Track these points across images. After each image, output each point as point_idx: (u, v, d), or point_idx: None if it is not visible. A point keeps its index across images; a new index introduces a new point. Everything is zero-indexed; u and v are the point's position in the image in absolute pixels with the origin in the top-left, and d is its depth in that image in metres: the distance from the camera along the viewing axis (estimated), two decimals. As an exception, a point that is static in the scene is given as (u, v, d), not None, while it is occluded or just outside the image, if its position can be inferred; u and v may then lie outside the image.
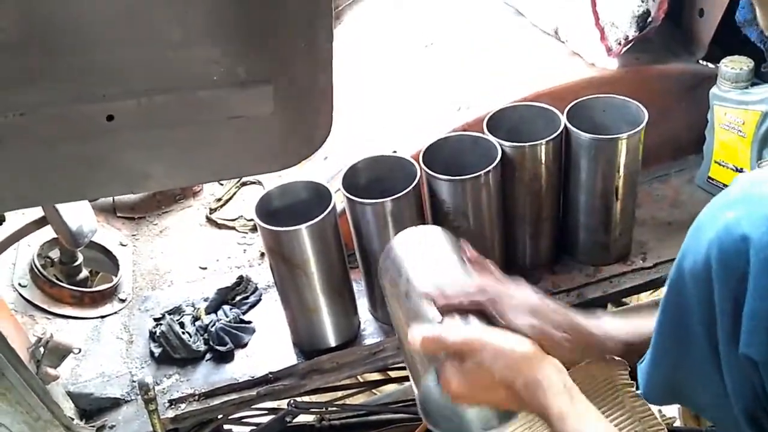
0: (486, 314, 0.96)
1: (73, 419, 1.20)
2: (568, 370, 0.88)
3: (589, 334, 0.97)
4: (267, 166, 0.92)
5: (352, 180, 1.24)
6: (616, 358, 1.01)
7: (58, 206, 1.22)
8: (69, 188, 0.84)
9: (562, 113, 1.25)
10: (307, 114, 0.88)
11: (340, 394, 1.58)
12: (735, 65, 1.31)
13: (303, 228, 1.15)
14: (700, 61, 1.44)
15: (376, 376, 1.69)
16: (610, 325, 0.99)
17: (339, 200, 1.23)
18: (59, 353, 1.14)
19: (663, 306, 0.76)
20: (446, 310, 0.95)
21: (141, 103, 0.78)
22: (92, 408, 1.27)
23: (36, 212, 1.28)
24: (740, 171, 1.37)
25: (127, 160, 0.83)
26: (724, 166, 1.39)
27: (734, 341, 0.68)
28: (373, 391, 1.71)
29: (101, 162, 0.82)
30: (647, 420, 1.05)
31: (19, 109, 0.72)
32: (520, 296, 0.98)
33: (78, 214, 1.26)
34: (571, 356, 0.95)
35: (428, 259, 1.04)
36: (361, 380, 1.67)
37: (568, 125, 1.24)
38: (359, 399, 1.71)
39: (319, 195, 1.22)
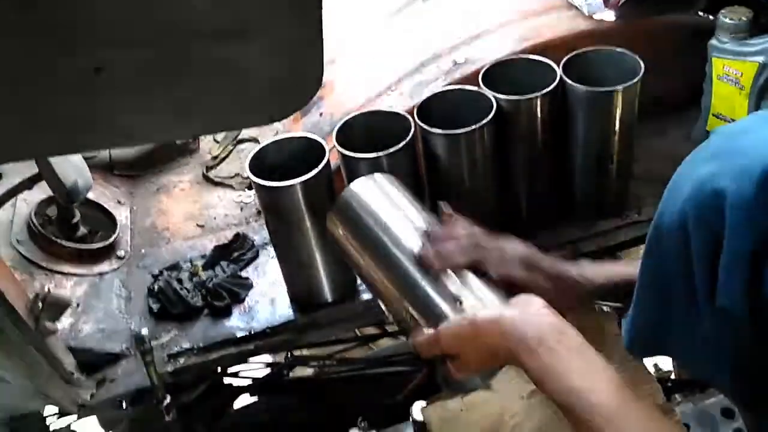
0: (480, 270, 0.97)
1: (73, 373, 1.22)
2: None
3: (572, 280, 0.99)
4: (257, 118, 0.91)
5: (347, 135, 1.23)
6: (604, 307, 1.02)
7: (53, 162, 1.21)
8: (58, 141, 0.83)
9: (559, 66, 1.24)
10: (296, 65, 0.86)
11: (337, 348, 1.60)
12: (734, 15, 1.29)
13: (297, 183, 1.15)
14: (699, 13, 1.42)
15: (373, 331, 1.71)
16: (588, 269, 1.01)
17: (335, 156, 1.23)
18: (57, 308, 1.15)
19: (643, 260, 0.77)
20: (440, 268, 0.95)
21: (128, 55, 0.78)
22: (92, 362, 1.28)
23: (31, 169, 1.28)
24: (738, 124, 1.35)
25: (115, 113, 0.83)
26: (721, 119, 1.38)
27: (711, 293, 0.68)
28: (371, 345, 1.73)
29: (89, 115, 0.82)
30: (637, 370, 1.07)
31: (4, 60, 0.71)
32: (510, 248, 0.99)
33: (73, 171, 1.25)
34: (561, 304, 0.95)
35: (398, 208, 1.02)
36: (359, 334, 1.68)
37: (564, 78, 1.22)
38: (357, 353, 1.73)
39: (313, 150, 1.22)
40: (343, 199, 1.04)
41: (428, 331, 0.91)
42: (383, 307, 1.02)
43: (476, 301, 0.93)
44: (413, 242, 0.98)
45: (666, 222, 0.71)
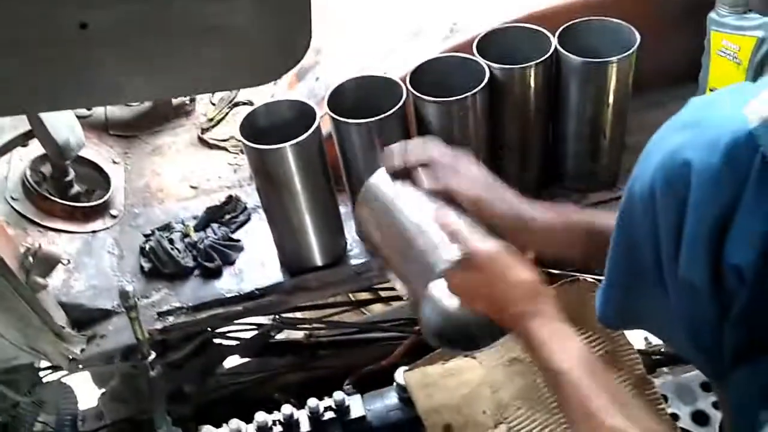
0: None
1: (64, 328, 1.24)
2: None
3: (524, 220, 1.00)
4: (246, 79, 0.91)
5: (340, 100, 1.23)
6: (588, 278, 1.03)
7: (45, 120, 1.22)
8: (45, 97, 0.84)
9: (555, 36, 1.23)
10: (285, 26, 0.86)
11: (329, 312, 1.62)
12: (734, -11, 1.28)
13: (287, 146, 1.15)
14: (701, -14, 1.40)
15: (365, 296, 1.72)
16: (540, 211, 1.01)
17: (327, 122, 1.23)
18: (48, 263, 1.16)
19: (616, 230, 0.77)
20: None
21: (114, 11, 0.78)
22: (83, 318, 1.30)
23: (22, 126, 1.28)
24: (734, 100, 1.35)
25: (102, 69, 0.83)
26: (718, 94, 1.38)
27: (676, 264, 0.69)
28: (362, 310, 1.75)
29: (76, 71, 0.82)
30: (618, 342, 1.08)
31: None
32: (474, 171, 1.02)
33: (65, 129, 1.26)
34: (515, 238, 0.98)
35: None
36: (353, 299, 1.70)
37: (559, 48, 1.22)
38: (351, 318, 1.75)
39: (305, 114, 1.22)
40: (368, 183, 1.08)
41: (471, 235, 0.91)
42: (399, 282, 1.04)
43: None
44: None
45: (637, 191, 0.71)
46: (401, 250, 1.00)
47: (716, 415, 1.23)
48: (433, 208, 0.98)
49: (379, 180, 1.07)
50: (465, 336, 1.00)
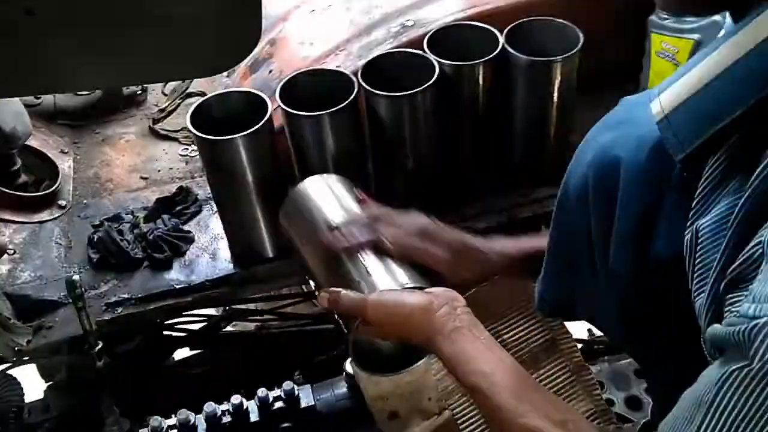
0: (380, 247, 0.99)
1: (9, 319, 1.22)
2: (466, 291, 0.92)
3: (476, 251, 1.00)
4: (195, 70, 0.93)
5: (292, 93, 1.24)
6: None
7: (-10, 107, 1.20)
8: (-10, 84, 0.83)
9: (502, 34, 1.26)
10: (234, 19, 0.87)
11: (280, 303, 1.62)
12: (674, -7, 1.33)
13: (238, 138, 1.16)
14: (643, -12, 1.45)
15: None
16: (499, 243, 1.02)
17: (280, 114, 1.23)
18: (-8, 253, 1.15)
19: (552, 224, 0.80)
20: (347, 252, 0.97)
21: (61, -2, 0.78)
22: (30, 310, 1.29)
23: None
24: (673, 100, 1.40)
25: (50, 57, 0.83)
26: (658, 94, 1.43)
27: (606, 258, 0.72)
28: (313, 301, 1.76)
29: (23, 58, 0.82)
30: (558, 330, 1.12)
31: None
32: (408, 221, 1.02)
33: (11, 117, 1.24)
34: (459, 271, 0.99)
35: (326, 202, 1.06)
36: (305, 290, 1.71)
37: (506, 46, 1.25)
38: (303, 309, 1.76)
39: (257, 106, 1.22)
40: (291, 194, 1.09)
41: (356, 295, 0.91)
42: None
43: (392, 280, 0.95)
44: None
45: (571, 186, 0.75)
46: (316, 263, 1.02)
47: (649, 401, 1.28)
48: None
49: (308, 184, 1.09)
50: (388, 361, 1.01)
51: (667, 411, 0.61)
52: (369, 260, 0.97)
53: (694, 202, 0.64)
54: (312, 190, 1.08)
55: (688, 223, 0.64)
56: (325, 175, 1.13)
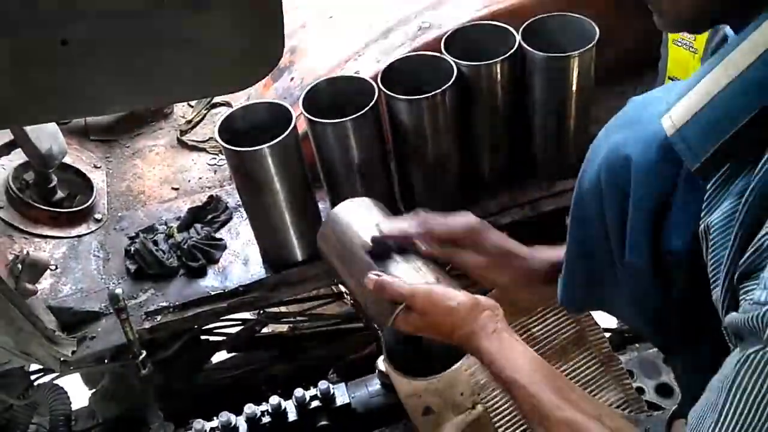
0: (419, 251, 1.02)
1: (54, 331, 1.27)
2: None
3: (518, 258, 1.03)
4: (222, 87, 0.96)
5: (314, 101, 1.27)
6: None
7: (27, 130, 1.25)
8: (30, 111, 0.88)
9: (519, 32, 1.28)
10: (258, 36, 0.90)
11: (311, 305, 1.66)
12: (689, -19, 1.33)
13: (265, 148, 1.19)
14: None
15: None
16: (541, 251, 1.05)
17: (303, 121, 1.27)
18: (36, 269, 1.20)
19: (570, 220, 0.83)
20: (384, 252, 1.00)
21: (93, 27, 0.81)
22: (73, 321, 1.34)
23: (5, 136, 1.31)
24: (692, 87, 1.41)
25: (83, 83, 0.87)
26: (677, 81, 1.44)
27: (622, 250, 0.75)
28: (345, 301, 1.79)
29: (59, 85, 0.86)
30: (586, 322, 1.14)
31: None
32: (456, 221, 1.04)
33: (47, 137, 1.29)
34: (497, 277, 1.03)
35: (365, 221, 1.08)
36: (334, 291, 1.74)
37: (523, 44, 1.27)
38: (332, 310, 1.80)
39: (281, 115, 1.26)
40: (327, 218, 1.11)
41: (404, 282, 0.95)
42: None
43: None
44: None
45: (585, 184, 0.77)
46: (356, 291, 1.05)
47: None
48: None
49: (336, 216, 1.10)
50: (427, 360, 1.04)
51: (686, 403, 0.64)
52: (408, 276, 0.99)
53: (704, 201, 0.67)
54: (347, 213, 1.10)
55: (700, 222, 0.66)
56: (357, 199, 1.15)
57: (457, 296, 0.93)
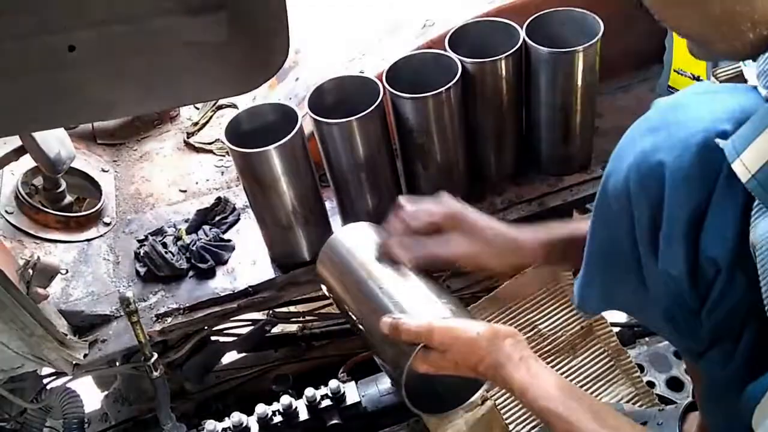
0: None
1: (66, 335, 1.28)
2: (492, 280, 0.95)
3: (508, 239, 1.03)
4: (226, 90, 0.96)
5: (319, 100, 1.28)
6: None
7: (35, 135, 1.26)
8: (38, 117, 0.88)
9: (523, 28, 1.28)
10: (262, 38, 0.91)
11: (320, 304, 1.66)
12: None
13: (272, 149, 1.20)
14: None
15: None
16: (531, 231, 1.05)
17: (309, 121, 1.27)
18: (47, 274, 1.21)
19: (592, 223, 0.82)
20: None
21: (100, 32, 0.82)
22: (84, 324, 1.35)
23: (14, 142, 1.32)
24: (698, 79, 1.40)
25: (91, 88, 0.87)
26: (682, 74, 1.43)
27: (654, 257, 0.74)
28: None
29: (66, 91, 0.86)
30: (593, 317, 1.14)
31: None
32: (433, 206, 1.06)
33: (55, 142, 1.30)
34: (487, 261, 1.03)
35: (375, 249, 1.09)
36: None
37: (527, 39, 1.27)
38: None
39: (287, 116, 1.26)
40: (326, 244, 1.13)
41: (420, 320, 0.94)
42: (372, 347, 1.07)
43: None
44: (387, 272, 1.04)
45: (610, 188, 0.76)
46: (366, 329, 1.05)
47: (690, 381, 1.29)
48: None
49: (335, 243, 1.12)
50: (445, 396, 1.04)
51: (711, 400, 0.63)
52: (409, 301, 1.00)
53: (752, 213, 0.66)
54: (345, 239, 1.12)
55: (750, 236, 0.66)
56: (355, 224, 1.18)
57: (475, 326, 0.93)
